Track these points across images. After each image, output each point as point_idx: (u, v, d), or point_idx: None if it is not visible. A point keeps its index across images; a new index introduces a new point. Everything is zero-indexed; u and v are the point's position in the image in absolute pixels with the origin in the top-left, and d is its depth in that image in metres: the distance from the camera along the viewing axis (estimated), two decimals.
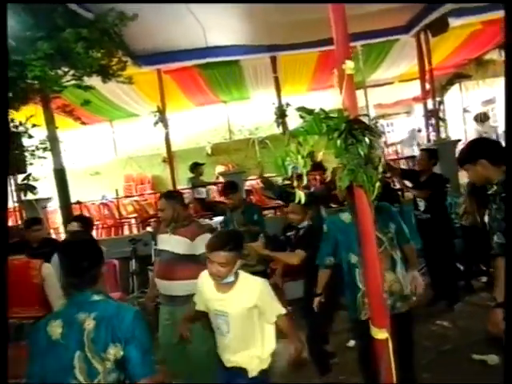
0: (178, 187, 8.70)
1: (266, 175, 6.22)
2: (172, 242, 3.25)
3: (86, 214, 8.72)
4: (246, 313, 2.31)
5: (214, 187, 9.04)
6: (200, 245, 3.04)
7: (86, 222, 4.23)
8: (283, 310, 2.40)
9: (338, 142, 1.73)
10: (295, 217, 3.52)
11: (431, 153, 5.15)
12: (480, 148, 2.52)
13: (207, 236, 2.97)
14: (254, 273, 4.22)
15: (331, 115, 1.79)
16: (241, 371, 2.39)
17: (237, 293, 2.31)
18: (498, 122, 11.76)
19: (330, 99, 9.61)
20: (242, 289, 2.32)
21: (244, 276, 2.38)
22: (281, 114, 8.35)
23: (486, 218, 4.61)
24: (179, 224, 3.26)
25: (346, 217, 2.96)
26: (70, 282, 1.77)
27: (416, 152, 11.96)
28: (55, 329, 1.66)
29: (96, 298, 1.73)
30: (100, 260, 1.83)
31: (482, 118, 10.62)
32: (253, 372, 2.38)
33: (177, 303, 3.17)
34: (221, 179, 8.35)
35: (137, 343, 1.66)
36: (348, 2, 1.96)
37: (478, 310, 4.14)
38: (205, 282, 2.42)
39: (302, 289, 3.76)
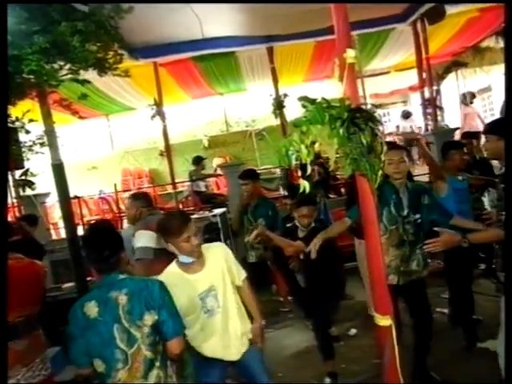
0: (177, 180, 8.72)
1: (264, 167, 6.13)
2: None
3: (85, 208, 8.73)
4: (225, 279, 2.37)
5: (212, 180, 9.05)
6: (135, 240, 3.15)
7: (34, 220, 4.98)
8: (245, 273, 2.54)
9: (341, 131, 1.74)
10: (308, 220, 3.51)
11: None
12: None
13: (141, 233, 3.12)
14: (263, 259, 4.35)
15: (333, 104, 1.80)
16: (227, 363, 2.42)
17: (210, 263, 2.36)
18: (494, 110, 11.83)
19: (326, 89, 9.60)
20: (211, 257, 2.38)
21: (205, 247, 2.40)
22: (278, 104, 8.33)
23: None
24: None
25: None
26: (97, 267, 2.01)
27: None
28: (91, 309, 1.89)
29: (122, 276, 1.98)
30: (120, 246, 2.04)
31: (406, 115, 11.72)
32: (241, 353, 2.41)
33: None
34: (219, 172, 8.35)
35: (167, 308, 1.94)
36: (349, 2, 1.96)
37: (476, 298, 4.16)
38: (175, 278, 2.30)
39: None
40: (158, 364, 1.93)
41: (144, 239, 3.08)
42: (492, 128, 2.61)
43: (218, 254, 2.42)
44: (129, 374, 1.88)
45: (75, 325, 1.92)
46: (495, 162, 3.69)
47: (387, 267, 2.86)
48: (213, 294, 2.32)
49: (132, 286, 1.94)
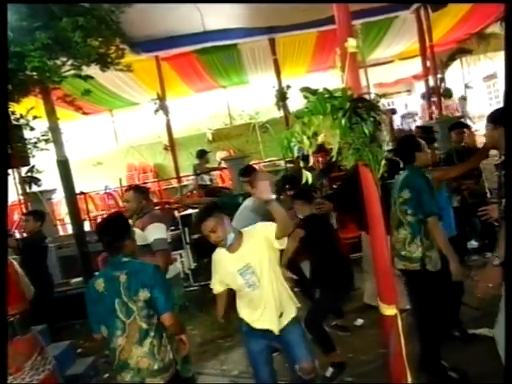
0: (181, 174, 8.74)
1: (268, 159, 6.08)
2: None
3: (91, 204, 8.79)
4: (263, 258, 2.51)
5: (216, 173, 9.04)
6: (149, 233, 3.21)
7: (40, 215, 4.96)
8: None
9: (343, 121, 1.73)
10: (301, 213, 3.53)
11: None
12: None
13: (156, 225, 3.23)
14: None
15: (335, 95, 1.79)
16: (271, 333, 2.57)
17: (247, 244, 2.54)
18: (500, 97, 11.71)
19: (329, 80, 9.53)
20: (250, 239, 2.56)
21: (246, 230, 2.62)
22: (281, 96, 8.30)
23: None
24: (138, 216, 3.42)
25: None
26: (105, 250, 2.48)
27: None
28: (99, 284, 2.29)
29: (125, 259, 2.34)
30: (123, 234, 2.39)
31: (391, 112, 12.74)
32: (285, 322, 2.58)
33: None
34: (223, 165, 8.36)
35: (159, 287, 2.27)
36: (350, 2, 1.94)
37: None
38: (221, 255, 2.61)
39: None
40: (152, 334, 2.26)
41: (159, 231, 3.24)
42: (490, 117, 2.62)
43: (259, 235, 2.55)
44: (127, 340, 2.23)
45: (89, 297, 2.33)
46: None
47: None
48: (250, 271, 2.52)
49: (131, 267, 2.31)
